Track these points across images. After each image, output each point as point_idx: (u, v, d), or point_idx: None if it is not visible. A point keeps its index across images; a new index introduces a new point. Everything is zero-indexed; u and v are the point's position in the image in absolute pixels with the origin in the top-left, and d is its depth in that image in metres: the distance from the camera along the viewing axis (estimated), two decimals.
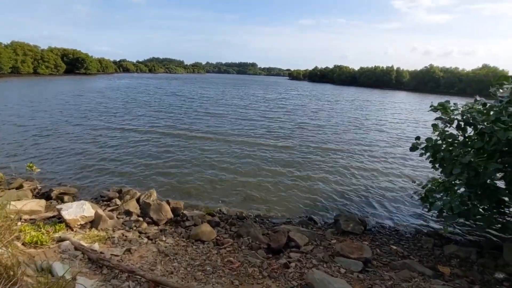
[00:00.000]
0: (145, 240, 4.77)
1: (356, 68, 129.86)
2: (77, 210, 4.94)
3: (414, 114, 30.58)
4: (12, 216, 5.19)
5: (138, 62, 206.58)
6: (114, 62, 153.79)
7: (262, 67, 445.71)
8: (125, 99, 30.19)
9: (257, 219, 6.88)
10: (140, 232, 5.15)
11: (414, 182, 9.06)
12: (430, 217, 7.53)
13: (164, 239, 4.89)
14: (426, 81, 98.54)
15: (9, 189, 7.92)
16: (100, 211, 5.27)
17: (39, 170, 8.18)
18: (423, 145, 6.57)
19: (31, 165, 7.95)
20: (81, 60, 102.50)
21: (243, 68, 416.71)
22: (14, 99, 27.85)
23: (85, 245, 4.16)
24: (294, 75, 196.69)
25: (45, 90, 38.92)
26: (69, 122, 16.96)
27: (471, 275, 4.55)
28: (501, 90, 5.13)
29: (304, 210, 7.65)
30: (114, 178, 9.29)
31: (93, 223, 5.10)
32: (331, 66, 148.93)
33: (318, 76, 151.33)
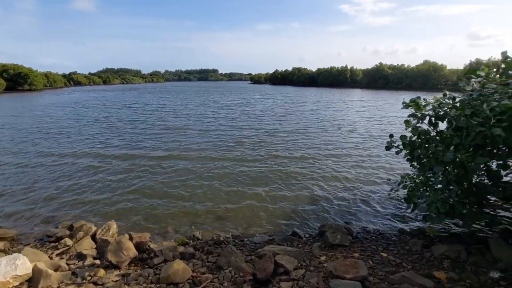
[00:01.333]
0: None
1: (314, 69, 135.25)
2: (7, 269, 3.82)
3: (375, 111, 31.65)
4: None
5: (90, 74, 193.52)
6: (64, 76, 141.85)
7: (224, 72, 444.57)
8: (73, 117, 27.17)
9: (236, 241, 6.18)
10: (95, 284, 4.16)
11: (389, 179, 9.08)
12: (408, 214, 7.48)
13: None
14: (377, 78, 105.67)
15: None
16: (41, 265, 4.18)
17: None
18: (397, 143, 6.47)
19: None
20: (24, 75, 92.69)
21: (204, 75, 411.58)
22: None
23: None
24: (255, 79, 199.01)
25: None
26: (4, 149, 14.64)
27: (467, 278, 4.35)
28: (474, 84, 5.10)
29: (285, 223, 7.14)
30: (63, 212, 7.94)
31: (32, 281, 4.01)
32: (290, 68, 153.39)
33: (279, 79, 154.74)
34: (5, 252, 6.23)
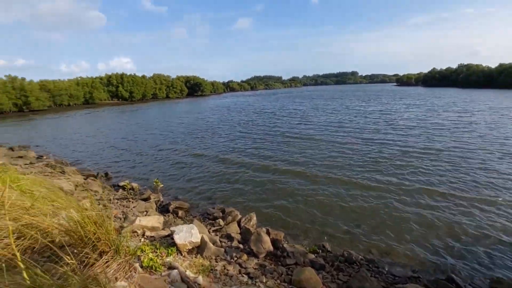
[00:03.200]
0: (245, 278, 4.45)
1: (493, 65, 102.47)
2: (186, 235, 5.14)
3: None
4: (139, 232, 5.95)
5: (242, 81, 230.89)
6: (223, 83, 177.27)
7: (364, 75, 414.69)
8: (223, 119, 32.95)
9: (370, 266, 5.62)
10: (240, 266, 4.90)
11: None
12: None
13: (264, 280, 4.45)
14: None
15: (141, 199, 9.56)
16: (206, 237, 5.35)
17: (162, 185, 9.50)
18: None
19: (157, 181, 9.31)
20: (199, 84, 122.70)
21: (342, 78, 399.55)
22: (146, 121, 35.39)
23: (191, 276, 4.15)
24: (403, 81, 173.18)
25: (171, 111, 48.05)
26: (178, 142, 19.95)
27: None
28: None
29: (436, 261, 5.82)
30: (218, 196, 9.86)
31: (199, 249, 5.20)
32: (454, 66, 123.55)
33: (437, 79, 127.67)
34: (182, 219, 8.43)
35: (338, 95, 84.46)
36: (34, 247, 3.01)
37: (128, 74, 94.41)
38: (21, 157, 15.77)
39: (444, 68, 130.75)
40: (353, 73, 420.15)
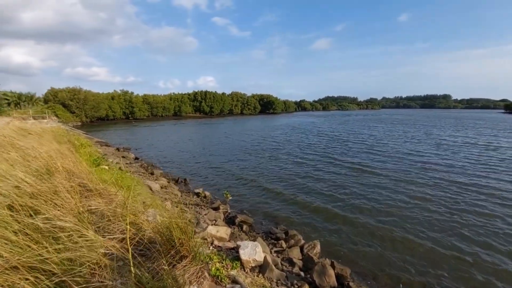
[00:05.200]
0: None
1: None
2: (251, 252, 5.30)
3: None
4: (208, 240, 6.41)
5: (314, 101, 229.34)
6: (295, 102, 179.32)
7: (459, 98, 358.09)
8: (284, 139, 32.53)
9: None
10: None
11: None
12: None
13: None
14: None
15: (211, 207, 10.30)
16: (269, 258, 5.40)
17: (231, 198, 10.08)
18: None
19: (227, 193, 9.94)
20: (271, 102, 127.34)
21: (430, 101, 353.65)
22: (221, 135, 38.13)
23: None
24: None
25: (243, 127, 50.83)
26: (250, 159, 20.72)
27: None
28: None
29: None
30: (281, 217, 9.82)
31: (261, 268, 5.28)
32: None
33: None
34: (246, 234, 8.69)
35: (422, 120, 73.42)
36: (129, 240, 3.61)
37: (210, 91, 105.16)
38: (124, 157, 19.09)
39: None
40: (445, 96, 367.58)
